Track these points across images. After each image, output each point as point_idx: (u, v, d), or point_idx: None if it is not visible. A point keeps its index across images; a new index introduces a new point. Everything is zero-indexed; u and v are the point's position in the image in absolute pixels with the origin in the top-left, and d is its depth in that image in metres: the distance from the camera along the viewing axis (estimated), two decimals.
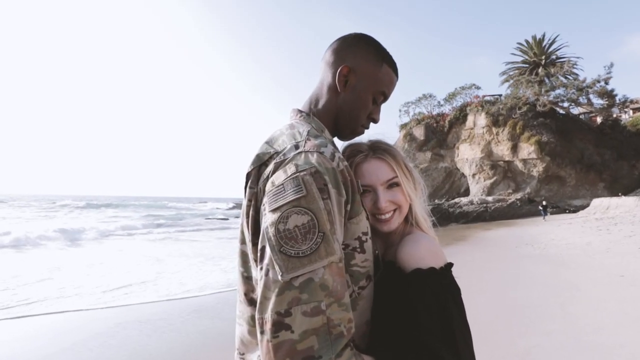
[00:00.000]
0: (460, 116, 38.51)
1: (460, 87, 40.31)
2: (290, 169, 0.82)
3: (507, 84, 40.45)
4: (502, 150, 34.50)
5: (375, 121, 1.07)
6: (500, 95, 38.74)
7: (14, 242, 13.53)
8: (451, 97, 40.78)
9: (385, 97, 1.06)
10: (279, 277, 0.74)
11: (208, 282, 7.53)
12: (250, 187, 0.90)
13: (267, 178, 0.86)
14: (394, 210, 1.04)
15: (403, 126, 42.06)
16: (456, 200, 33.25)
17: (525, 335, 4.17)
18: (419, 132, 40.09)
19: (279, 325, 0.72)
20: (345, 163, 0.89)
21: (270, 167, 0.87)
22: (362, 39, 1.04)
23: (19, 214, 33.42)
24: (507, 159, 34.36)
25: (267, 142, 0.95)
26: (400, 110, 43.62)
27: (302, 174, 0.80)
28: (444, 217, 24.61)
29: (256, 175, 0.90)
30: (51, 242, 14.48)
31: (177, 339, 4.51)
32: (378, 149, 1.07)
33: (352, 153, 1.07)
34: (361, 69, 1.00)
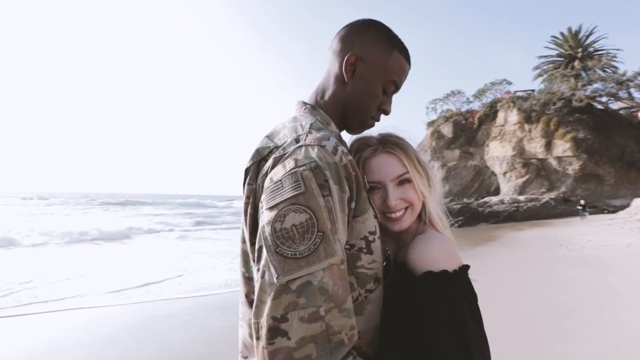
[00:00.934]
0: (491, 113, 37.32)
1: (490, 83, 39.12)
2: (289, 164, 0.77)
3: (540, 79, 38.71)
4: (535, 147, 33.16)
5: (386, 113, 1.00)
6: (533, 91, 37.19)
7: (58, 239, 14.16)
8: (481, 93, 39.61)
9: (397, 87, 0.99)
10: (275, 280, 0.70)
11: (233, 279, 7.64)
12: (248, 184, 0.86)
13: (266, 174, 0.81)
14: (405, 209, 0.97)
15: (430, 123, 41.24)
16: (486, 199, 32.20)
17: (558, 341, 3.96)
18: (447, 130, 39.18)
19: (274, 331, 0.68)
20: (350, 157, 0.83)
21: (270, 162, 0.82)
22: (371, 25, 0.97)
23: (61, 210, 34.97)
24: (540, 156, 32.98)
25: (267, 136, 0.90)
26: (427, 108, 42.88)
27: (301, 169, 0.75)
28: (472, 217, 23.78)
29: (255, 171, 0.86)
30: (94, 240, 14.94)
31: (202, 334, 4.60)
32: (388, 142, 1.00)
33: (360, 147, 1.01)
34: (370, 57, 0.94)
